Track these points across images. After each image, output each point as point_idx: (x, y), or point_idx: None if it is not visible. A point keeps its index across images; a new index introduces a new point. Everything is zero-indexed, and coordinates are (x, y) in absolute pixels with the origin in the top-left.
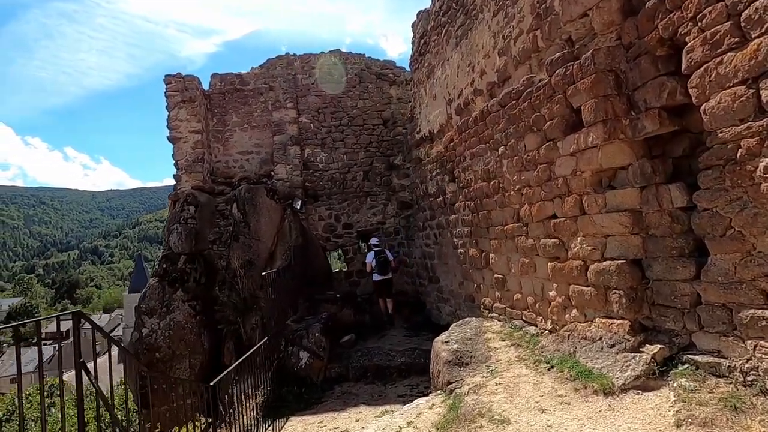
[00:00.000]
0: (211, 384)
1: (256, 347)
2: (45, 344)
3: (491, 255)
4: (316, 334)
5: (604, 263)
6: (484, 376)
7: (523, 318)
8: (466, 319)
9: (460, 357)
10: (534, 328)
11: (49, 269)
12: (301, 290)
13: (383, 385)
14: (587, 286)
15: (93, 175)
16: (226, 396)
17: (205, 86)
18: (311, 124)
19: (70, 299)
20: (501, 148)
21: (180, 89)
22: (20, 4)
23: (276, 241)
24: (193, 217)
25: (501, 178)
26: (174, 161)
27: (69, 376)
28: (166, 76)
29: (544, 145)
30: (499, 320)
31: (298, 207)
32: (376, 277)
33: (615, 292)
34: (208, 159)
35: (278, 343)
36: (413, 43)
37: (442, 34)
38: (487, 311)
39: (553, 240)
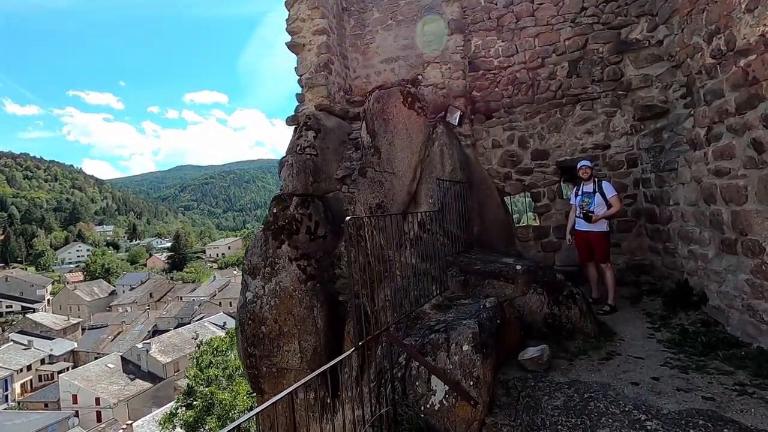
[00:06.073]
0: None
1: (323, 368)
2: None
3: None
4: (464, 347)
5: None
6: None
7: None
8: None
9: None
10: None
11: None
12: (457, 254)
13: None
14: None
15: None
16: None
17: None
18: None
19: None
20: None
21: None
22: (261, 11)
23: (419, 176)
24: (312, 146)
25: None
26: (297, 78)
27: None
28: None
29: None
30: None
31: (455, 121)
32: (578, 225)
33: None
34: (340, 72)
35: (395, 353)
36: None
37: None
38: None
39: None
